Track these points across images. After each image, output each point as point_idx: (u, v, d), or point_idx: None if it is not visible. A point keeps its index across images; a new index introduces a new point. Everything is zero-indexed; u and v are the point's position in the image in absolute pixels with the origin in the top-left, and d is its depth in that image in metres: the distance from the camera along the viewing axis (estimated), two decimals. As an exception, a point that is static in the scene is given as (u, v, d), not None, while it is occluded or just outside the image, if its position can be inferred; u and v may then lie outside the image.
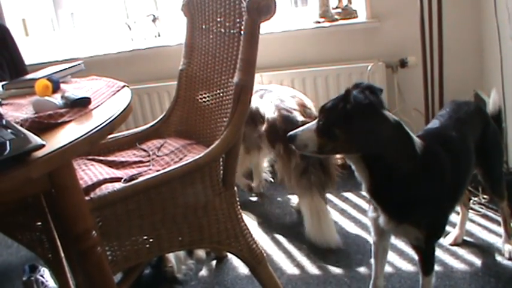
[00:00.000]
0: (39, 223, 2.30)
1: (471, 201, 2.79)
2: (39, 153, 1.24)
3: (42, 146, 1.25)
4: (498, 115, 2.37)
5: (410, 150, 1.76)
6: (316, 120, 1.77)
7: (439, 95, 3.08)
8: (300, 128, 1.80)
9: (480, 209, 2.81)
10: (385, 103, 1.78)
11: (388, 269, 2.40)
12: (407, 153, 1.76)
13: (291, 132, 1.80)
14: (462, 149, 2.02)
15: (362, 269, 2.48)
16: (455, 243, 2.54)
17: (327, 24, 3.51)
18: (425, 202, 1.82)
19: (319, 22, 3.54)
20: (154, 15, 3.99)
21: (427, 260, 1.96)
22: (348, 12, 3.57)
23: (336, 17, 3.55)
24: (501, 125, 2.41)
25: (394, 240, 2.05)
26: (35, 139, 1.28)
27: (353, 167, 1.81)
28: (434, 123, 2.15)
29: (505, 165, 2.84)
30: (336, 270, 2.51)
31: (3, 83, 2.22)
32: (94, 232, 1.52)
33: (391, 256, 2.49)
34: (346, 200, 3.18)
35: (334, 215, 3.00)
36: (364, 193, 1.86)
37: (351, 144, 1.71)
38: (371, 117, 1.69)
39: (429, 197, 1.82)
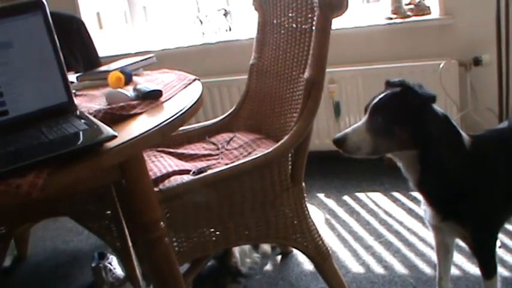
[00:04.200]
0: (109, 212, 2.36)
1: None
2: (111, 144, 1.26)
3: (114, 137, 1.27)
4: None
5: (458, 145, 1.70)
6: (364, 120, 1.67)
7: (515, 95, 2.99)
8: (348, 130, 1.67)
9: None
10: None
11: (455, 271, 2.35)
12: (456, 148, 1.70)
13: (338, 135, 1.66)
14: None
15: (428, 271, 2.42)
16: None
17: (399, 20, 3.45)
18: (471, 201, 1.73)
19: (391, 18, 3.49)
20: (225, 10, 4.01)
21: (484, 263, 1.87)
22: (420, 9, 3.49)
23: (409, 13, 3.49)
24: None
25: (461, 242, 1.99)
26: (107, 130, 1.31)
27: (400, 163, 1.74)
28: (503, 124, 2.07)
29: None
30: (401, 270, 2.47)
31: (78, 74, 2.27)
32: (162, 223, 1.54)
33: (459, 259, 2.43)
34: (413, 199, 3.11)
35: (399, 215, 2.96)
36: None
37: (410, 141, 1.64)
38: (430, 112, 1.63)
39: (476, 197, 1.73)
